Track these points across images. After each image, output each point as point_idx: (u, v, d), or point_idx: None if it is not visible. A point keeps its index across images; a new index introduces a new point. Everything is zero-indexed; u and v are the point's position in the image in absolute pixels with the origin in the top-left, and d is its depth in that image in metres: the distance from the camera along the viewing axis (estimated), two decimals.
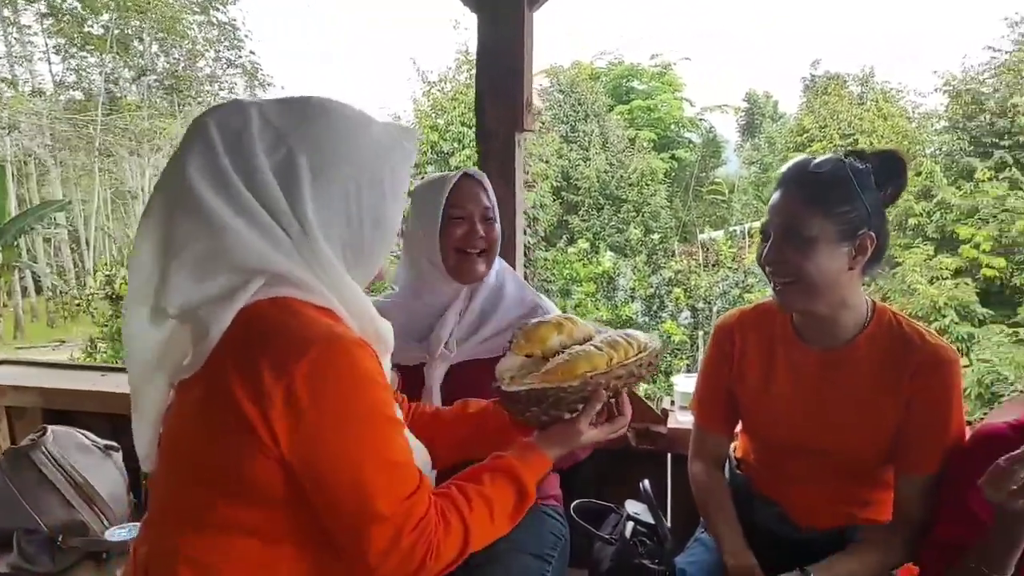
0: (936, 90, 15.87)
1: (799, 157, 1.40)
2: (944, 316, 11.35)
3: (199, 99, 19.51)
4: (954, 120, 15.13)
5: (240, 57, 21.15)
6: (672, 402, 2.08)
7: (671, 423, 1.97)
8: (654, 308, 9.49)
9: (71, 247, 18.60)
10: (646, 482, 1.59)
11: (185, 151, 0.89)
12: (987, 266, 12.59)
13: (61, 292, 16.13)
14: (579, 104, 18.55)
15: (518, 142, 1.95)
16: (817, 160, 1.34)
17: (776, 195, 1.35)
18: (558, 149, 17.42)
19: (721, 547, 1.47)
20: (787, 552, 1.45)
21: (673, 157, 21.37)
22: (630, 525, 1.54)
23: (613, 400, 1.09)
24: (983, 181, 13.61)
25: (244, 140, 0.89)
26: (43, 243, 17.31)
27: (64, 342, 13.89)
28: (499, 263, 1.71)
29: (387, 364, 1.01)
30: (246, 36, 20.88)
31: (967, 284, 11.82)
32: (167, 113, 19.20)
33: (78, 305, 15.36)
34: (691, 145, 23.09)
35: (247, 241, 0.86)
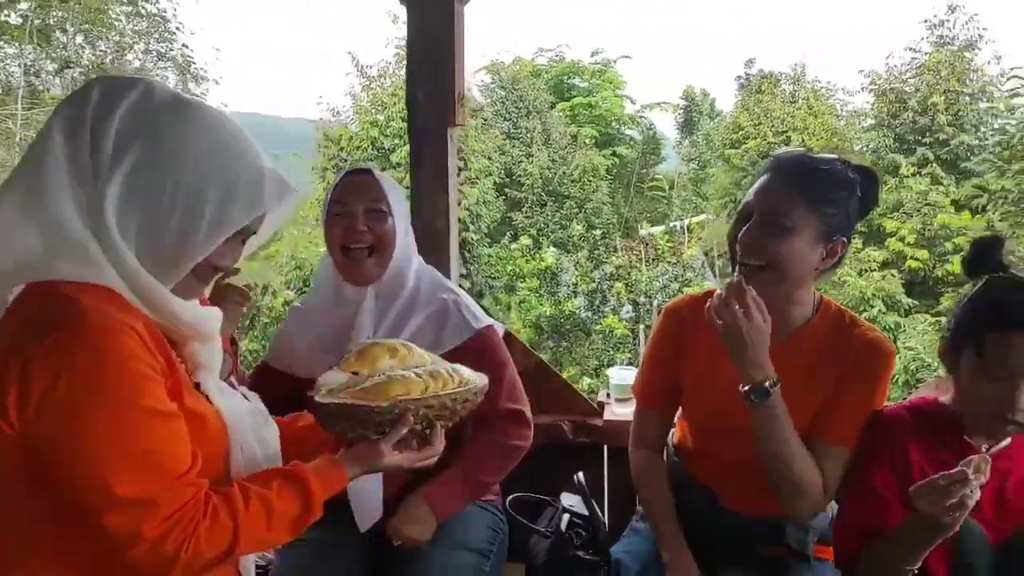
0: (863, 88, 16.56)
1: (794, 148, 1.41)
2: (872, 307, 11.84)
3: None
4: (880, 118, 15.80)
5: (172, 50, 20.43)
6: (608, 395, 2.10)
7: (607, 415, 2.00)
8: (596, 303, 9.61)
9: None
10: (580, 474, 1.61)
11: (62, 103, 0.93)
12: (912, 258, 13.20)
13: None
14: (521, 100, 18.62)
15: (451, 136, 1.93)
16: (818, 156, 1.36)
17: (766, 178, 1.34)
18: (500, 145, 17.44)
19: (659, 541, 1.49)
20: (720, 538, 1.48)
21: (614, 154, 21.65)
22: (566, 517, 1.56)
23: (427, 430, 1.10)
24: (907, 177, 14.26)
25: (112, 108, 0.91)
26: None
27: None
28: (417, 263, 1.64)
29: (211, 349, 1.03)
30: (178, 28, 20.18)
31: (893, 275, 12.36)
32: None
33: None
34: (632, 142, 23.43)
35: (55, 194, 0.88)
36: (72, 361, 0.83)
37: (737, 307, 1.24)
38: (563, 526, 1.54)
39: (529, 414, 1.62)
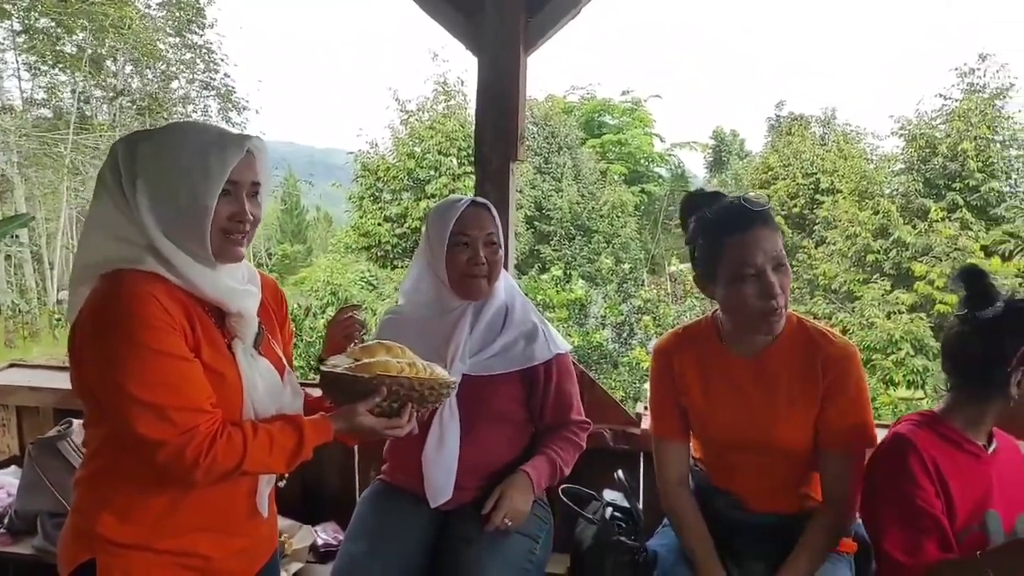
0: (892, 133, 16.64)
1: (734, 197, 1.56)
2: (900, 349, 11.79)
3: (172, 120, 19.25)
4: (910, 162, 15.84)
5: (215, 80, 21.16)
6: (645, 407, 2.27)
7: (644, 425, 2.18)
8: (624, 335, 9.73)
9: (33, 266, 18.28)
10: (620, 472, 1.79)
11: (104, 165, 1.26)
12: (940, 302, 13.13)
13: (21, 311, 15.81)
14: (552, 136, 18.98)
15: (512, 170, 2.15)
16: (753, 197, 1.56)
17: (748, 234, 1.47)
18: (531, 180, 17.77)
19: (692, 560, 1.62)
20: (746, 536, 1.65)
21: (643, 191, 21.91)
22: (609, 509, 1.73)
23: (398, 407, 1.35)
24: (936, 221, 14.26)
25: (121, 158, 1.23)
26: (3, 261, 16.99)
27: (24, 361, 13.60)
28: (508, 281, 1.86)
29: (244, 324, 1.30)
30: (222, 60, 20.91)
31: (922, 319, 12.30)
32: None
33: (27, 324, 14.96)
34: (660, 180, 23.69)
35: (110, 217, 1.22)
36: (109, 318, 1.14)
37: None
38: (606, 516, 1.71)
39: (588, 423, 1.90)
